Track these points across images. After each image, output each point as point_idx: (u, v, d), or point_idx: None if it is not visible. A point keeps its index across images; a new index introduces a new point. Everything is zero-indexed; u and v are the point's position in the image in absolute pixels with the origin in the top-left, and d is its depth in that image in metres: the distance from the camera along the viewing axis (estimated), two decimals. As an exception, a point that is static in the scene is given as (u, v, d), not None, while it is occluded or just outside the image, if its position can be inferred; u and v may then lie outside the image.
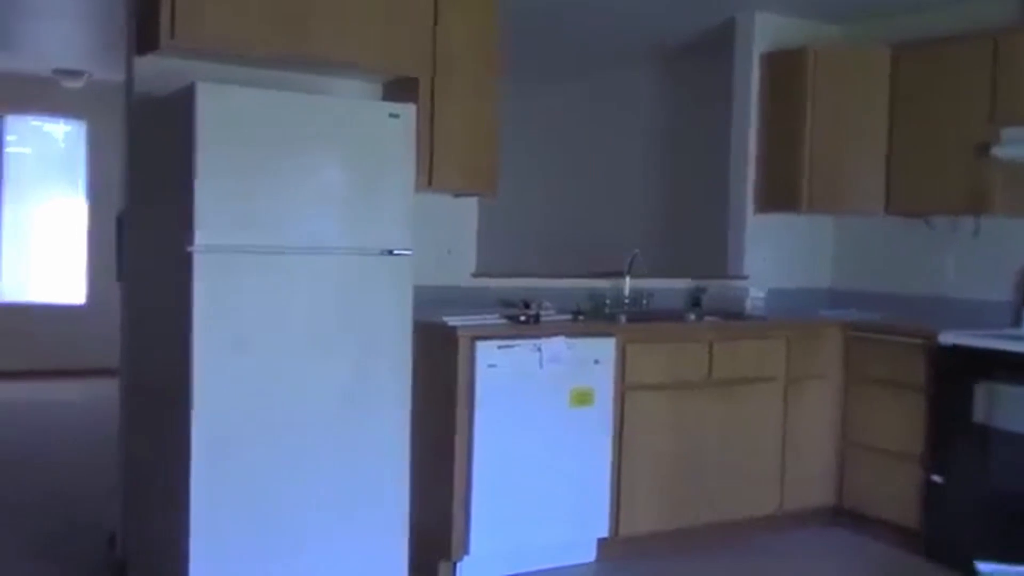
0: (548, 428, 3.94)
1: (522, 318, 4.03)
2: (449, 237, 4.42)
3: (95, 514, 4.50)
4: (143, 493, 3.69)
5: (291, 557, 3.31)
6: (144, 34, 3.55)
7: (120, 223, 3.99)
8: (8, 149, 8.73)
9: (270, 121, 3.24)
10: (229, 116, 3.15)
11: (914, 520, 4.36)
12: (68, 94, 8.34)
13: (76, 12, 6.05)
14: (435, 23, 3.97)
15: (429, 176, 3.95)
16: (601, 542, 4.18)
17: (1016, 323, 4.52)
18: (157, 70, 3.61)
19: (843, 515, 4.74)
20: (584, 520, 4.07)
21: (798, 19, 5.32)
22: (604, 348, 4.06)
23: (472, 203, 4.50)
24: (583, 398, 4.01)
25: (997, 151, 4.36)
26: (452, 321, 3.79)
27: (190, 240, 3.10)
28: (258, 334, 3.23)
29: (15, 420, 7.07)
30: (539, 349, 3.87)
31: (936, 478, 4.25)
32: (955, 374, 4.18)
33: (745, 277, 5.22)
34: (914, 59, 4.81)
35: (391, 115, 3.46)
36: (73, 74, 7.98)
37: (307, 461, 3.33)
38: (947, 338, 4.23)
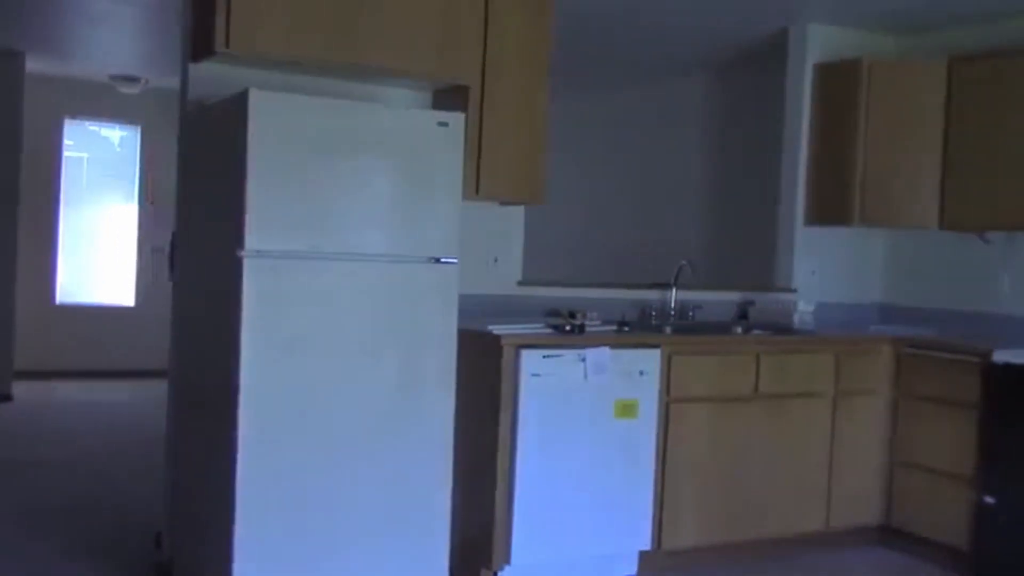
0: (592, 439, 3.92)
1: (567, 328, 4.02)
2: (496, 246, 4.43)
3: (143, 513, 4.57)
4: (190, 493, 3.73)
5: (333, 561, 3.33)
6: (199, 41, 3.60)
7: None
8: (66, 153, 8.91)
9: (321, 128, 3.27)
10: (281, 123, 3.19)
11: (964, 541, 4.27)
12: (124, 99, 8.50)
13: (133, 19, 6.17)
14: (486, 32, 3.98)
15: (476, 184, 3.97)
16: (643, 555, 4.15)
17: (1073, 342, 4.42)
18: (211, 77, 3.66)
19: (890, 534, 4.65)
20: (626, 532, 4.05)
21: (852, 30, 5.26)
22: (649, 359, 4.04)
23: (519, 212, 4.51)
24: (627, 410, 3.98)
25: (1056, 166, 4.28)
26: (497, 329, 3.79)
27: (240, 245, 3.13)
28: (305, 339, 3.25)
29: (66, 419, 7.21)
30: (583, 359, 3.86)
31: (988, 499, 4.16)
32: (1009, 393, 4.10)
33: (793, 290, 5.16)
34: (970, 72, 4.73)
35: (440, 124, 3.48)
36: (130, 80, 8.13)
37: (351, 466, 3.35)
38: (1002, 356, 4.14)
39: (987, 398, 4.20)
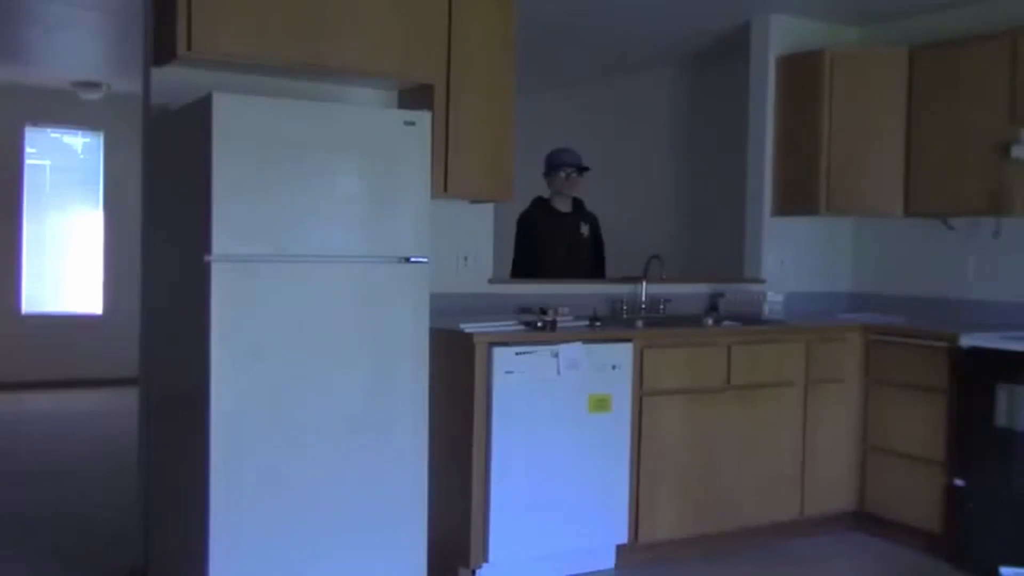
0: (566, 434, 3.93)
1: (539, 324, 4.03)
2: (466, 244, 4.42)
3: (114, 524, 4.52)
4: (164, 500, 3.70)
5: (310, 565, 3.31)
6: (161, 45, 3.57)
7: None
8: (28, 161, 8.80)
9: (286, 130, 3.25)
10: (245, 126, 3.16)
11: (937, 524, 4.32)
12: (86, 106, 8.40)
13: (93, 24, 6.09)
14: (449, 31, 3.97)
15: (445, 182, 3.96)
16: (620, 548, 4.16)
17: (1038, 325, 4.48)
18: (174, 81, 3.63)
19: (864, 520, 4.70)
20: (603, 526, 4.06)
21: (814, 22, 5.30)
22: (621, 353, 4.05)
23: (488, 209, 4.50)
24: (601, 404, 3.99)
25: (1017, 151, 4.33)
26: (469, 328, 3.79)
27: (207, 250, 3.10)
28: (275, 343, 3.23)
29: (34, 430, 7.11)
30: (556, 355, 3.86)
31: (958, 482, 4.21)
32: (976, 377, 4.15)
33: (763, 281, 5.19)
34: (932, 60, 4.79)
35: (406, 123, 3.47)
36: (91, 86, 8.04)
37: (326, 468, 3.33)
38: (968, 341, 4.19)
39: (954, 382, 4.25)
